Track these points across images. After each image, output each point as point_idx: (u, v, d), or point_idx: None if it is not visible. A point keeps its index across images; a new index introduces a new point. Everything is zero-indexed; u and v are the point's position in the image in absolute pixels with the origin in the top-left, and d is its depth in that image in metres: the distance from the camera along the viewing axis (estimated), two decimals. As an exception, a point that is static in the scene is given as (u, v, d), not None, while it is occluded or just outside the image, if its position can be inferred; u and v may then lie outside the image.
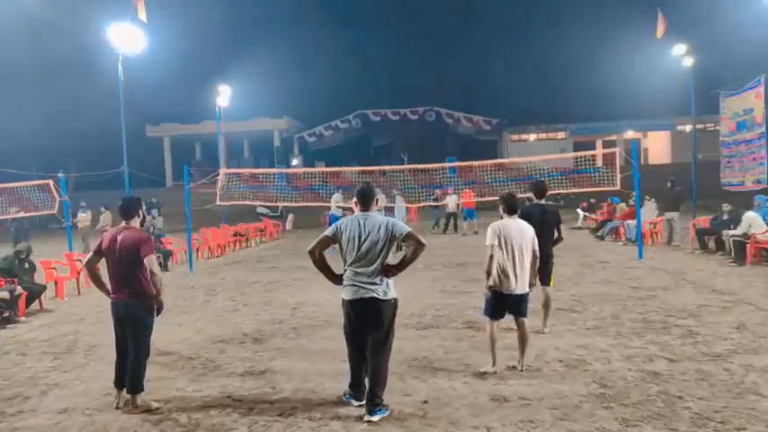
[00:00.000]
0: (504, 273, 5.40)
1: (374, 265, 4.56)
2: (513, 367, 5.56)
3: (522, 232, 5.52)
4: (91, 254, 5.21)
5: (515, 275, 5.40)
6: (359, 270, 4.59)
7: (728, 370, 5.37)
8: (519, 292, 5.45)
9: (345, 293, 4.69)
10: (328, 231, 4.76)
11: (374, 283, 4.56)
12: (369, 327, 4.64)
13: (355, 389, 4.82)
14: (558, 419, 4.42)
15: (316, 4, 55.95)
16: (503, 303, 5.51)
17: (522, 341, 5.54)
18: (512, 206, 5.64)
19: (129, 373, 4.96)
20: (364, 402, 4.64)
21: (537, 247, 5.62)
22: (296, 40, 56.66)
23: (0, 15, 28.51)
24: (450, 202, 20.03)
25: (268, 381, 5.56)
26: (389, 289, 4.64)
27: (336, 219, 14.82)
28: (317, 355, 6.31)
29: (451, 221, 20.58)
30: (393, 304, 4.67)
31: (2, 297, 8.54)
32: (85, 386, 5.64)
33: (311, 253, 4.72)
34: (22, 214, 16.91)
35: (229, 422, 4.62)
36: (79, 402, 5.18)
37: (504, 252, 5.41)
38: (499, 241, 5.42)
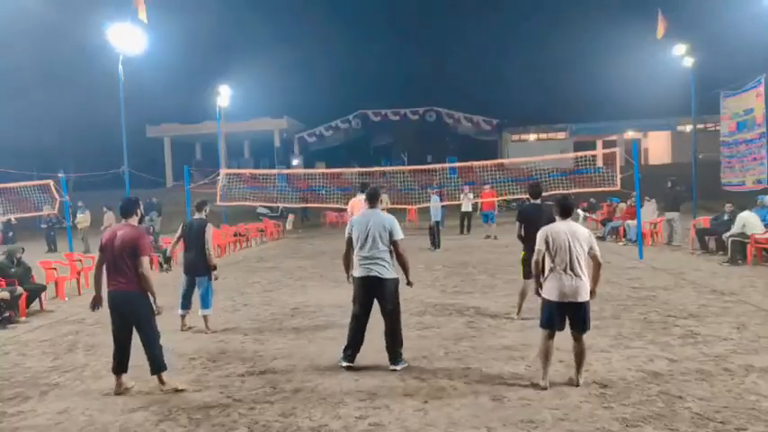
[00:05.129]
0: (554, 280, 5.05)
1: (375, 250, 5.65)
2: (537, 384, 5.17)
3: (575, 235, 5.08)
4: (98, 254, 5.48)
5: (567, 283, 5.01)
6: (365, 254, 5.68)
7: (729, 370, 5.37)
8: (572, 300, 5.03)
9: (356, 272, 5.80)
10: (347, 230, 5.89)
11: (377, 264, 5.66)
12: (374, 298, 5.75)
13: (349, 351, 5.74)
14: (559, 420, 4.42)
15: (316, 4, 55.98)
16: (559, 314, 5.10)
17: (579, 356, 5.13)
18: (564, 208, 5.29)
19: (148, 357, 5.35)
20: (389, 359, 5.72)
21: (598, 252, 5.15)
22: (296, 39, 56.58)
23: (0, 16, 28.51)
24: (466, 201, 19.86)
25: (268, 381, 5.57)
26: (390, 269, 5.71)
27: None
28: (318, 355, 6.30)
29: (465, 221, 20.07)
30: (394, 282, 5.74)
31: (2, 297, 8.54)
32: (85, 386, 5.65)
33: (347, 253, 5.87)
34: (50, 211, 16.76)
35: (229, 422, 4.63)
36: (79, 402, 5.19)
37: (554, 257, 5.05)
38: (548, 246, 5.08)
